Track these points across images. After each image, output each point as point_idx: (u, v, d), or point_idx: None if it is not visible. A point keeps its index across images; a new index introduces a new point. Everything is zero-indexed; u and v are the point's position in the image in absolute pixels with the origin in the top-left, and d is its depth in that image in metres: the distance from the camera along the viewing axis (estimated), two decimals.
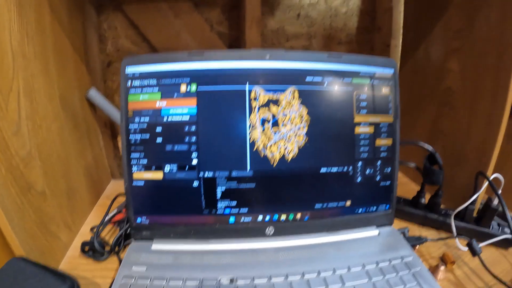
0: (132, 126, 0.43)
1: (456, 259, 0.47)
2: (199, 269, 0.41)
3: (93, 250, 0.47)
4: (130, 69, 0.43)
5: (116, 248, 0.48)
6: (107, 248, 0.48)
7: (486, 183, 0.49)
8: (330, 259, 0.43)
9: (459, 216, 0.52)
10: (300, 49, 0.71)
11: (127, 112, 0.43)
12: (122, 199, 0.57)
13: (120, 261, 0.45)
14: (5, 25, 0.37)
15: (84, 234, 0.52)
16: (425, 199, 0.55)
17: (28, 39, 0.41)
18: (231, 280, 0.39)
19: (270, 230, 0.45)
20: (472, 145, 0.54)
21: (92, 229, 0.52)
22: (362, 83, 0.45)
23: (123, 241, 0.49)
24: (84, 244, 0.47)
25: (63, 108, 0.50)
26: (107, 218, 0.53)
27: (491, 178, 0.48)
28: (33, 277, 0.36)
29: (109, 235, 0.52)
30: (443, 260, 0.47)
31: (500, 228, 0.51)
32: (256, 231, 0.45)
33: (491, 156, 0.50)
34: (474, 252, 0.45)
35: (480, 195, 0.51)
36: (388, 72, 0.46)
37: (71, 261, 0.47)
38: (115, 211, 0.55)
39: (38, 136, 0.42)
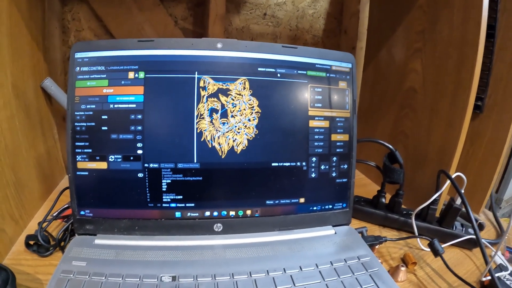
0: (78, 113, 0.40)
1: (418, 260, 0.45)
2: (141, 265, 0.38)
3: (38, 244, 0.44)
4: (79, 55, 0.40)
5: (62, 243, 0.45)
6: (53, 243, 0.45)
7: (448, 182, 0.47)
8: (281, 258, 0.40)
9: (421, 217, 0.50)
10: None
11: (74, 98, 0.40)
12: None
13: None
14: None
15: (32, 228, 0.48)
16: (386, 199, 0.53)
17: None
18: (173, 278, 0.36)
19: (218, 226, 0.43)
20: (434, 146, 0.53)
21: (40, 223, 0.49)
22: (317, 76, 0.44)
23: (69, 236, 0.46)
24: (28, 238, 0.44)
25: (15, 96, 0.47)
26: (56, 212, 0.50)
27: (453, 176, 0.46)
28: None
29: (57, 230, 0.49)
30: (404, 261, 0.45)
31: (464, 228, 0.50)
32: (204, 227, 0.43)
33: (452, 157, 0.49)
34: (436, 252, 0.43)
35: (442, 196, 0.49)
36: (345, 66, 0.45)
37: (16, 256, 0.43)
38: (65, 206, 0.52)
39: None
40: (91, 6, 0.60)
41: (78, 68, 0.40)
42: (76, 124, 0.40)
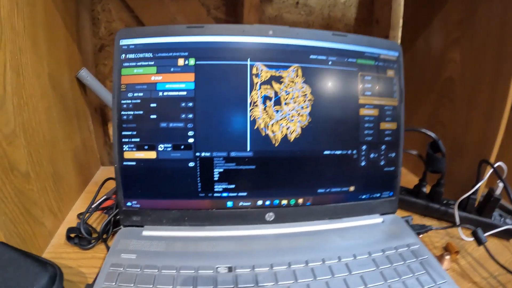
0: (125, 102, 0.38)
1: (459, 249, 0.44)
2: (194, 257, 0.36)
3: (80, 237, 0.42)
4: (125, 42, 0.38)
5: (104, 236, 0.43)
6: (95, 236, 0.43)
7: (489, 171, 0.46)
8: (334, 247, 0.39)
9: (461, 207, 0.49)
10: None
11: (120, 86, 0.38)
12: (112, 185, 0.51)
13: (109, 249, 0.40)
14: None
15: (71, 221, 0.47)
16: (427, 189, 0.52)
17: (18, 11, 0.37)
18: (230, 269, 0.34)
19: (270, 215, 0.41)
20: (472, 136, 0.51)
21: (79, 215, 0.47)
22: (367, 64, 0.42)
23: (111, 228, 0.44)
24: (69, 231, 0.42)
25: (51, 87, 0.45)
26: (95, 204, 0.48)
27: (495, 166, 0.45)
28: (11, 264, 0.31)
29: (97, 222, 0.47)
30: (447, 249, 0.44)
31: (502, 218, 0.48)
32: (256, 217, 0.41)
33: (492, 147, 0.47)
34: (479, 241, 0.41)
35: (481, 186, 0.48)
36: (392, 54, 0.43)
37: (56, 250, 0.42)
38: (104, 197, 0.49)
39: (24, 114, 0.38)
40: None
41: (123, 55, 0.38)
42: (123, 113, 0.38)
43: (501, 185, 0.45)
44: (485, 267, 0.42)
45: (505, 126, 0.47)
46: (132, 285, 0.32)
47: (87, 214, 0.45)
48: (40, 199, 0.41)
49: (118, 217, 0.42)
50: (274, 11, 0.65)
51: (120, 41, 0.39)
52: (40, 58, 0.42)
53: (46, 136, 0.43)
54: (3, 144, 0.34)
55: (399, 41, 0.67)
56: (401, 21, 0.66)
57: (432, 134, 0.48)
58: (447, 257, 0.41)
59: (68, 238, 0.42)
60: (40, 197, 0.41)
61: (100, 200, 0.48)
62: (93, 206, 0.49)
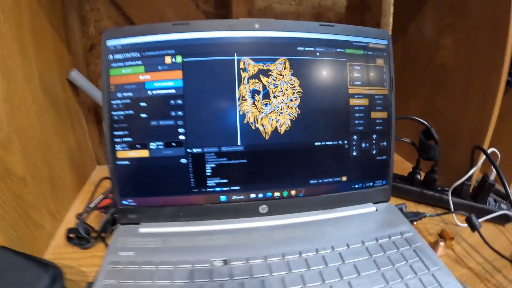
0: (115, 102, 0.38)
1: (454, 235, 0.44)
2: (190, 251, 0.37)
3: (79, 237, 0.43)
4: (112, 42, 0.38)
5: (103, 234, 0.44)
6: (94, 235, 0.44)
7: (483, 158, 0.46)
8: (327, 236, 0.40)
9: (455, 193, 0.49)
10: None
11: (109, 86, 0.38)
12: (108, 184, 0.52)
13: (107, 246, 0.41)
14: None
15: (69, 222, 0.47)
16: (421, 176, 0.52)
17: (4, 16, 0.37)
18: (225, 262, 0.35)
19: (263, 208, 0.42)
20: (467, 122, 0.52)
21: (77, 216, 0.48)
22: (355, 54, 0.42)
23: (109, 226, 0.45)
24: (69, 231, 0.43)
25: (42, 90, 0.45)
26: (92, 203, 0.49)
27: (489, 152, 0.45)
28: (13, 267, 0.32)
29: (96, 221, 0.47)
30: (442, 236, 0.44)
31: (497, 204, 0.49)
32: (249, 210, 0.42)
33: (486, 133, 0.48)
34: (473, 227, 0.42)
35: (475, 172, 0.48)
36: (382, 43, 0.43)
37: (56, 251, 0.42)
38: (101, 197, 0.50)
39: (16, 119, 0.38)
40: None
41: (111, 55, 0.38)
42: (113, 113, 0.39)
43: (494, 171, 0.46)
44: (480, 253, 0.43)
45: (498, 112, 0.47)
46: (132, 281, 0.33)
47: (85, 214, 0.46)
48: (38, 202, 0.42)
49: (110, 216, 0.43)
50: (264, 2, 0.64)
51: (107, 41, 0.38)
52: (29, 61, 0.43)
53: (40, 139, 0.44)
54: None
55: (390, 27, 0.66)
56: (392, 7, 0.65)
57: (425, 122, 0.48)
58: (442, 243, 0.41)
59: (68, 238, 0.43)
60: (38, 200, 0.42)
61: (98, 200, 0.49)
62: (90, 205, 0.50)
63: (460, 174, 0.48)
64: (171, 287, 0.33)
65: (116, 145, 0.39)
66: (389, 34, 0.44)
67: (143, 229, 0.40)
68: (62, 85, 0.52)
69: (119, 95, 0.39)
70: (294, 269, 0.34)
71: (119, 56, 0.38)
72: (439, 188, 0.51)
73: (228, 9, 0.60)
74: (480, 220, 0.43)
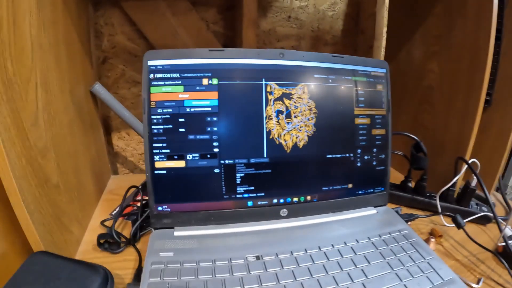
0: (155, 117, 0.49)
1: (442, 234, 0.59)
2: (224, 250, 0.48)
3: (109, 242, 0.52)
4: (152, 62, 0.49)
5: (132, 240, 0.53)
6: (123, 240, 0.53)
7: (465, 167, 0.63)
8: (339, 234, 0.53)
9: (442, 198, 0.64)
10: (290, 49, 0.83)
11: (150, 103, 0.49)
12: (128, 192, 0.62)
13: (138, 251, 0.51)
14: (26, 13, 0.40)
15: (94, 228, 0.57)
16: (412, 184, 0.68)
17: (44, 30, 0.44)
18: (257, 257, 0.47)
19: (284, 211, 0.55)
20: (450, 136, 0.68)
21: (102, 222, 0.57)
22: (360, 80, 0.57)
23: (138, 232, 0.55)
24: (100, 237, 0.52)
25: (72, 101, 0.54)
26: (115, 211, 0.59)
27: (470, 162, 0.62)
28: (64, 269, 0.39)
29: (120, 228, 0.57)
30: (432, 234, 0.59)
31: (478, 207, 0.65)
32: (272, 213, 0.54)
33: (467, 145, 0.63)
34: (459, 225, 0.57)
35: (459, 178, 0.65)
36: (381, 71, 0.58)
37: (86, 256, 0.50)
38: (123, 205, 0.60)
39: (52, 129, 0.46)
40: (124, 11, 0.68)
41: (152, 75, 0.49)
42: (153, 127, 0.50)
43: (476, 178, 0.62)
44: (466, 248, 0.57)
45: (478, 127, 0.63)
46: (176, 278, 0.42)
47: (112, 221, 0.56)
48: (68, 209, 0.50)
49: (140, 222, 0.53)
50: (268, 25, 0.79)
51: (148, 61, 0.49)
52: (62, 74, 0.51)
53: (70, 148, 0.53)
54: (38, 158, 0.41)
55: (383, 50, 0.83)
56: (384, 31, 0.82)
57: (415, 137, 0.64)
58: (433, 239, 0.56)
59: (98, 244, 0.52)
60: (68, 206, 0.50)
61: (119, 207, 0.59)
62: (113, 213, 0.60)
63: (446, 182, 0.64)
64: (214, 281, 0.42)
65: (154, 156, 0.50)
66: (387, 64, 0.59)
67: (178, 232, 0.51)
68: (86, 97, 0.61)
69: (159, 110, 0.49)
70: (317, 261, 0.46)
71: (159, 75, 0.49)
72: (428, 194, 0.66)
73: (236, 31, 0.73)
74: (464, 221, 0.58)
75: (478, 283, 0.48)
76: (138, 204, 0.62)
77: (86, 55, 0.62)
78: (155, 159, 0.50)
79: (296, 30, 0.81)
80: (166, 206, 0.52)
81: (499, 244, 0.56)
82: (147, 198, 0.61)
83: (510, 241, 0.54)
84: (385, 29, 0.82)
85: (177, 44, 0.72)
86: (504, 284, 0.49)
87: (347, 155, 0.57)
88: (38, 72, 0.43)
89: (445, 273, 0.46)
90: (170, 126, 0.50)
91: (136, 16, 0.69)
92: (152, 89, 0.50)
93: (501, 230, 0.55)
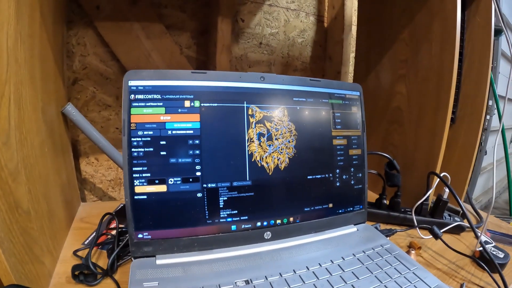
0: (135, 139, 0.48)
1: (421, 245, 0.62)
2: (212, 276, 0.46)
3: (84, 274, 0.49)
4: (133, 83, 0.48)
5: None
6: (100, 271, 0.50)
7: (436, 181, 0.67)
8: (325, 253, 0.53)
9: (417, 212, 0.68)
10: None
11: (130, 124, 0.48)
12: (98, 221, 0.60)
13: (117, 283, 0.49)
14: (4, 23, 0.37)
15: (65, 259, 0.53)
16: (387, 201, 0.71)
17: (21, 42, 0.42)
18: (247, 282, 0.46)
19: (267, 234, 0.54)
20: (420, 153, 0.72)
21: (75, 252, 0.54)
22: (337, 103, 0.59)
23: (116, 261, 0.53)
24: (75, 268, 0.49)
25: (44, 121, 0.51)
26: (91, 240, 0.56)
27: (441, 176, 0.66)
28: None
29: (94, 258, 0.54)
30: (411, 247, 0.62)
31: (451, 218, 0.69)
32: (256, 237, 0.54)
33: (437, 160, 0.68)
34: (436, 235, 0.60)
35: (431, 193, 0.69)
36: (355, 94, 0.62)
37: None
38: (95, 234, 0.57)
39: (23, 149, 0.42)
40: (97, 31, 0.67)
41: (133, 95, 0.48)
42: (133, 150, 0.48)
43: (447, 190, 0.66)
44: (445, 256, 0.60)
45: (446, 143, 0.68)
46: None
47: (87, 251, 0.53)
48: (40, 238, 0.46)
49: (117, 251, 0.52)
50: (240, 50, 0.81)
51: (129, 82, 0.48)
52: (35, 91, 0.48)
53: (41, 172, 0.48)
54: (8, 181, 0.38)
55: (350, 75, 0.88)
56: (352, 58, 0.87)
57: (388, 156, 0.67)
58: (413, 251, 0.59)
59: (73, 276, 0.49)
60: (39, 235, 0.46)
61: (92, 236, 0.56)
62: (86, 242, 0.57)
63: (419, 196, 0.67)
64: None
65: (134, 180, 0.48)
66: (361, 87, 0.62)
67: (160, 260, 0.49)
68: (58, 118, 0.58)
69: (140, 133, 0.48)
70: (307, 281, 0.47)
71: (140, 96, 0.48)
72: (403, 210, 0.70)
73: (209, 56, 0.75)
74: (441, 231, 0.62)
75: None
76: (113, 232, 0.59)
77: (59, 74, 0.59)
78: (135, 184, 0.49)
79: (267, 56, 0.84)
80: (147, 233, 0.50)
81: (477, 249, 0.60)
82: (122, 225, 0.59)
83: (486, 246, 0.58)
84: (352, 55, 0.87)
85: (150, 67, 0.72)
86: (485, 286, 0.53)
87: (327, 175, 0.58)
88: (12, 87, 0.40)
89: (431, 281, 0.49)
90: (151, 149, 0.49)
91: (109, 37, 0.68)
92: (133, 110, 0.48)
93: (477, 237, 0.59)
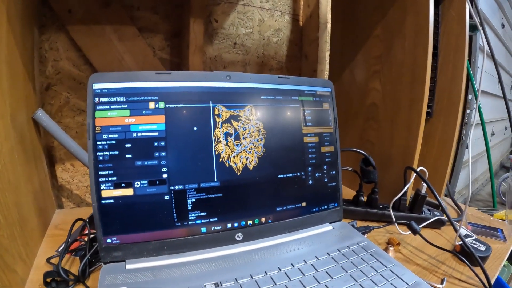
0: (100, 143, 0.48)
1: (400, 241, 0.62)
2: (181, 280, 0.46)
3: (56, 281, 0.49)
4: (98, 86, 0.48)
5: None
6: (72, 277, 0.49)
7: (413, 176, 0.66)
8: (298, 253, 0.53)
9: (395, 208, 0.68)
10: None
11: (95, 128, 0.48)
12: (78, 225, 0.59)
13: None
14: None
15: (39, 267, 0.53)
16: (364, 198, 0.70)
17: None
18: (216, 285, 0.45)
19: (239, 235, 0.54)
20: (397, 148, 0.72)
21: (48, 260, 0.54)
22: (307, 100, 0.59)
23: (88, 267, 0.52)
24: (46, 275, 0.48)
25: (13, 127, 0.50)
26: (61, 247, 0.56)
27: (418, 170, 0.66)
28: None
29: (67, 265, 0.54)
30: (390, 243, 0.61)
31: (431, 212, 0.69)
32: (227, 238, 0.54)
33: (414, 155, 0.68)
34: (414, 231, 0.60)
35: (409, 188, 0.68)
36: (326, 90, 0.61)
37: None
38: (71, 239, 0.57)
39: None
40: (69, 35, 0.67)
41: (97, 98, 0.48)
42: (98, 153, 0.48)
43: (425, 185, 0.65)
44: (425, 252, 0.60)
45: (422, 138, 0.68)
46: None
47: (56, 258, 0.53)
48: (11, 246, 0.45)
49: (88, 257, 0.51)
50: (214, 51, 0.81)
51: (93, 85, 0.48)
52: (3, 97, 0.47)
53: (11, 179, 0.48)
54: None
55: (326, 73, 0.88)
56: (327, 56, 0.87)
57: (363, 152, 0.67)
58: (391, 248, 0.58)
59: (45, 283, 0.48)
60: (10, 243, 0.45)
61: (65, 243, 0.56)
62: (60, 249, 0.56)
63: (396, 192, 0.67)
64: None
65: (101, 184, 0.48)
66: (332, 83, 0.62)
67: (130, 265, 0.48)
68: (28, 124, 0.58)
69: (105, 136, 0.48)
70: (278, 282, 0.46)
71: (105, 99, 0.48)
72: (381, 206, 0.69)
73: (182, 57, 0.74)
74: (420, 226, 0.61)
75: (442, 283, 0.51)
76: (86, 238, 0.59)
77: (29, 79, 0.59)
78: (102, 188, 0.48)
79: (242, 56, 0.84)
80: (115, 238, 0.50)
81: (457, 244, 0.59)
82: (95, 231, 0.59)
83: (467, 239, 0.58)
84: (327, 53, 0.87)
85: (123, 70, 0.71)
86: (467, 280, 0.53)
87: (298, 174, 0.58)
88: None
89: (409, 278, 0.48)
90: (116, 152, 0.49)
91: (82, 41, 0.68)
92: (97, 114, 0.48)
93: (456, 230, 0.58)
